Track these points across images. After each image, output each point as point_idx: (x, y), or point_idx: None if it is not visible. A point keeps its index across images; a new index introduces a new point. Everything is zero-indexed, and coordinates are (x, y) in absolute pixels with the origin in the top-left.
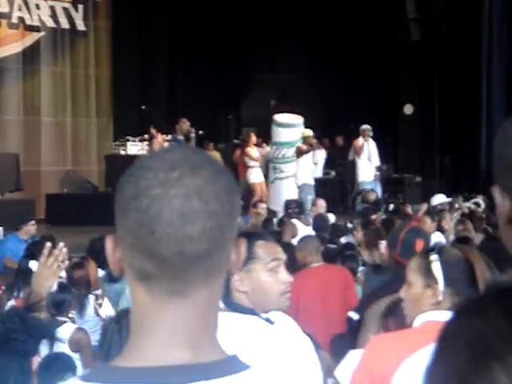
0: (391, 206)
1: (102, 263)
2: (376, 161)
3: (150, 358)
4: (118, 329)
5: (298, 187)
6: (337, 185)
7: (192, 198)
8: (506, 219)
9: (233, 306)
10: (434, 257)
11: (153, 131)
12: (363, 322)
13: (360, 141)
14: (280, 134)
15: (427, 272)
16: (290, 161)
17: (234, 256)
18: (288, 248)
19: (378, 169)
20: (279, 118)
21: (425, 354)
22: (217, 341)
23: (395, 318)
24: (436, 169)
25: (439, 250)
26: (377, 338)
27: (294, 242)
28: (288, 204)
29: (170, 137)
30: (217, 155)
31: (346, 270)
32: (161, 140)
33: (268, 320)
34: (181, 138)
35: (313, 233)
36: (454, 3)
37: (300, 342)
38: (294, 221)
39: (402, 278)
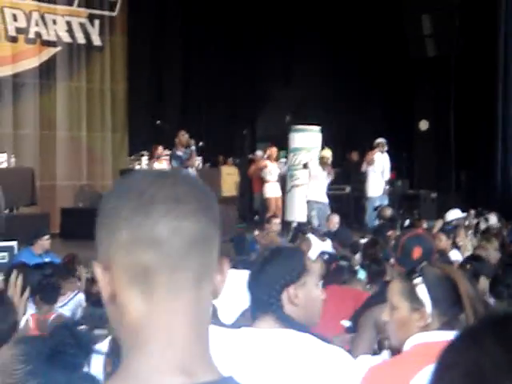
0: (407, 222)
1: None
2: (387, 175)
3: (143, 381)
4: None
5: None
6: (351, 200)
7: (181, 185)
8: None
9: (285, 321)
10: (418, 280)
11: (158, 150)
12: (357, 328)
13: (375, 152)
14: (296, 140)
15: (412, 295)
16: (296, 168)
17: (218, 276)
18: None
19: (388, 183)
20: (297, 126)
21: (423, 379)
22: (210, 357)
23: None
24: (452, 184)
25: (421, 271)
26: (374, 369)
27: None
28: (299, 225)
29: (169, 152)
30: (235, 171)
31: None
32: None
33: (323, 339)
34: (180, 153)
35: (328, 246)
36: (469, 19)
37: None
38: (309, 235)
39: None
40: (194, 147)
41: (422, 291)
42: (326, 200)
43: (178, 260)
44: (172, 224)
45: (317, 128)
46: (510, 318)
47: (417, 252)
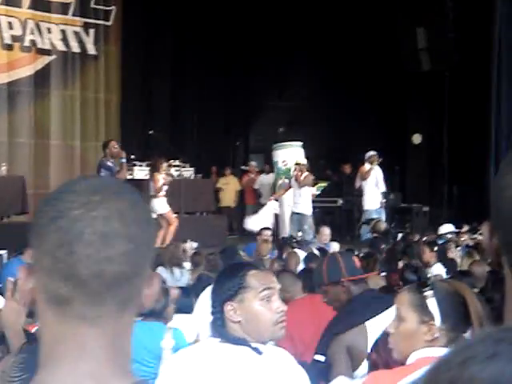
0: (399, 236)
1: None
2: (382, 187)
3: None
4: None
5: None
6: (343, 213)
7: (113, 220)
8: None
9: (224, 337)
10: (429, 293)
11: (160, 163)
12: (330, 360)
13: (366, 166)
14: (280, 157)
15: (421, 308)
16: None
17: (147, 290)
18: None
19: (384, 196)
20: (277, 143)
21: None
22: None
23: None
24: (444, 199)
25: (432, 285)
26: (374, 375)
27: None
28: (285, 240)
29: (99, 161)
30: (235, 180)
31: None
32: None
33: (257, 350)
34: (111, 164)
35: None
36: (464, 33)
37: (291, 373)
38: (297, 250)
39: (351, 312)
40: (124, 160)
41: (432, 304)
42: (303, 211)
43: (96, 298)
44: (94, 267)
45: (298, 143)
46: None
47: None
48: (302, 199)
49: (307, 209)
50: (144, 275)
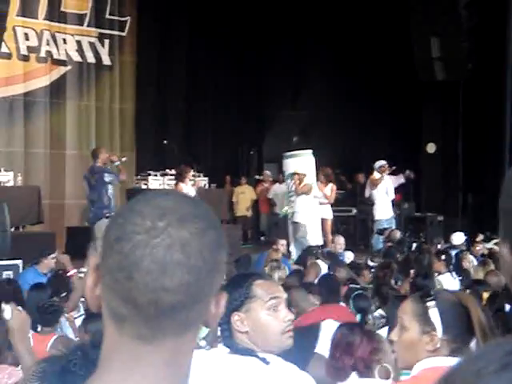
0: (414, 245)
1: None
2: (392, 195)
3: None
4: None
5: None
6: (358, 222)
7: (174, 250)
8: None
9: (232, 348)
10: (431, 303)
11: (185, 172)
12: None
13: (376, 175)
14: (290, 166)
15: (424, 318)
16: (292, 194)
17: (213, 308)
18: (309, 287)
19: (393, 204)
20: (288, 152)
21: None
22: None
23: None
24: (459, 208)
25: (435, 295)
26: None
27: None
28: (311, 246)
29: (95, 167)
30: (250, 190)
31: (346, 308)
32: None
33: (264, 360)
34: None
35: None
36: (479, 43)
37: (299, 383)
38: (319, 261)
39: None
40: (118, 162)
41: (435, 315)
42: (298, 219)
43: (153, 322)
44: (150, 295)
45: (308, 152)
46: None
47: None
48: (298, 208)
49: (303, 218)
50: (206, 301)
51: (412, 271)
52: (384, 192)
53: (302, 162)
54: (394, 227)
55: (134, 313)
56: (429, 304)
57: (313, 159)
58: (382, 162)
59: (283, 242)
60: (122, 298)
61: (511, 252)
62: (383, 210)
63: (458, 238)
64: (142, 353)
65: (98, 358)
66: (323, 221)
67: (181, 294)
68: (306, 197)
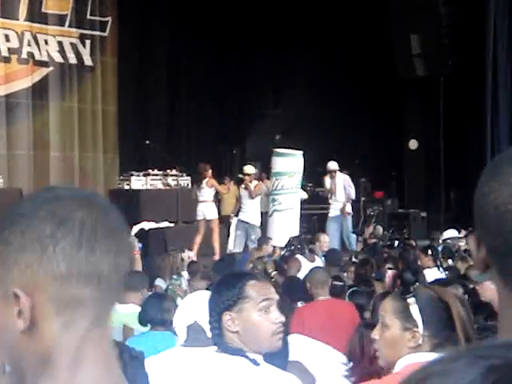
0: (396, 243)
1: None
2: (341, 196)
3: None
4: None
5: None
6: None
7: (111, 214)
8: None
9: (222, 347)
10: (411, 299)
11: (205, 170)
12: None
13: (327, 180)
14: (278, 164)
15: (405, 314)
16: (288, 192)
17: None
18: (294, 281)
19: (345, 202)
20: (279, 149)
21: None
22: (120, 378)
23: None
24: (441, 204)
25: (415, 292)
26: None
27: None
28: (290, 241)
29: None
30: (234, 188)
31: (353, 305)
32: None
33: (253, 361)
34: None
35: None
36: (458, 39)
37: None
38: (299, 256)
39: None
40: None
41: (415, 311)
42: (251, 221)
43: (110, 294)
44: (113, 261)
45: (299, 152)
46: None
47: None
48: (251, 209)
49: (256, 219)
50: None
51: (398, 267)
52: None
53: (291, 162)
54: (349, 224)
55: (97, 288)
56: (409, 300)
57: (302, 161)
58: (331, 165)
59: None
60: (85, 278)
61: (476, 244)
62: (333, 208)
63: (451, 234)
64: (87, 343)
65: None
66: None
67: (128, 252)
68: (258, 198)
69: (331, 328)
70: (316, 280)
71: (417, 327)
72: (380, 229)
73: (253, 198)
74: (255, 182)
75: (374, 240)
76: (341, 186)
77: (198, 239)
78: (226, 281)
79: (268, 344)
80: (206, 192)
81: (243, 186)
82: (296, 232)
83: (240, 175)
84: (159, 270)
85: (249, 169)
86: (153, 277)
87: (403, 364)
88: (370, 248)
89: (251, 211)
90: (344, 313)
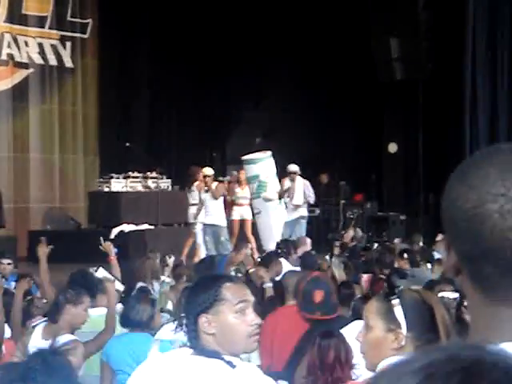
0: (375, 245)
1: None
2: (299, 199)
3: None
4: None
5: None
6: (321, 222)
7: None
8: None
9: (197, 349)
10: (395, 301)
11: (196, 173)
12: None
13: (286, 182)
14: (249, 170)
15: (388, 316)
16: (255, 196)
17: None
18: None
19: (300, 205)
20: (245, 156)
21: None
22: None
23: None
24: (420, 207)
25: (399, 294)
26: None
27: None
28: (279, 244)
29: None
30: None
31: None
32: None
33: (230, 363)
34: None
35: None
36: (437, 42)
37: None
38: (282, 259)
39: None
40: None
41: (399, 313)
42: (218, 222)
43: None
44: None
45: (266, 154)
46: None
47: (318, 295)
48: (215, 211)
49: (222, 220)
50: None
51: (375, 271)
52: (291, 196)
53: (262, 166)
54: (303, 228)
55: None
56: (393, 302)
57: (272, 161)
58: (291, 167)
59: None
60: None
61: (446, 249)
62: (288, 212)
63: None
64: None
65: (58, 365)
66: (244, 221)
67: None
68: (221, 199)
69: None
70: (288, 284)
71: (400, 328)
72: (359, 232)
73: (216, 198)
74: (215, 183)
75: (353, 243)
76: (300, 190)
77: (190, 242)
78: (203, 283)
79: (244, 346)
80: (197, 195)
81: (204, 188)
82: (276, 235)
83: (221, 178)
84: (139, 273)
85: (207, 170)
86: (133, 280)
87: (385, 365)
88: (350, 251)
89: (216, 213)
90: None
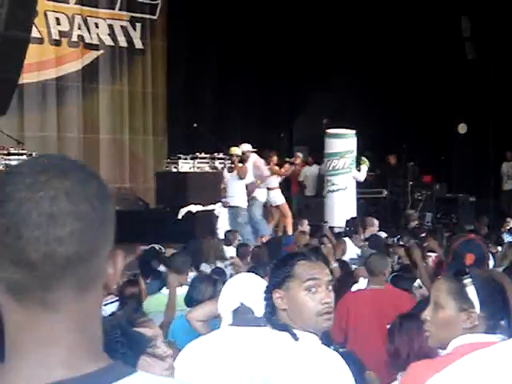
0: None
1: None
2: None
3: (23, 381)
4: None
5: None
6: (388, 204)
7: (60, 200)
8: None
9: (269, 322)
10: (468, 280)
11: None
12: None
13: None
14: (330, 145)
15: (461, 295)
16: (340, 172)
17: (110, 269)
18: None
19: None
20: (331, 130)
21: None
22: (99, 352)
23: (400, 334)
24: (490, 188)
25: (471, 273)
26: (416, 365)
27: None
28: (347, 222)
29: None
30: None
31: (409, 295)
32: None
33: (294, 336)
34: None
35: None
36: (509, 21)
37: (328, 361)
38: (346, 239)
39: None
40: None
41: (472, 292)
42: (238, 204)
43: (51, 282)
44: (44, 249)
45: (352, 132)
46: None
47: (469, 258)
48: (236, 191)
49: (243, 201)
50: (103, 254)
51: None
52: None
53: (343, 143)
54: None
55: (30, 275)
56: (465, 281)
57: (354, 140)
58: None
59: (304, 221)
60: (16, 262)
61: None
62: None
63: None
64: (51, 324)
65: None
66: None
67: (74, 243)
68: (243, 180)
69: (374, 319)
70: (371, 267)
71: (473, 308)
72: (429, 215)
73: (242, 178)
74: (240, 165)
75: (416, 223)
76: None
77: (271, 224)
78: (281, 259)
79: (314, 323)
80: (271, 179)
81: (227, 168)
82: (353, 213)
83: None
84: (203, 254)
85: (234, 150)
86: (198, 259)
87: (457, 344)
88: (411, 232)
89: (237, 194)
90: (401, 302)
